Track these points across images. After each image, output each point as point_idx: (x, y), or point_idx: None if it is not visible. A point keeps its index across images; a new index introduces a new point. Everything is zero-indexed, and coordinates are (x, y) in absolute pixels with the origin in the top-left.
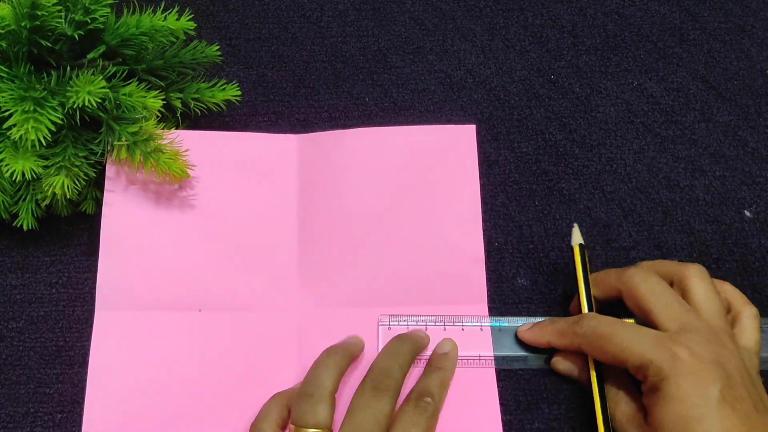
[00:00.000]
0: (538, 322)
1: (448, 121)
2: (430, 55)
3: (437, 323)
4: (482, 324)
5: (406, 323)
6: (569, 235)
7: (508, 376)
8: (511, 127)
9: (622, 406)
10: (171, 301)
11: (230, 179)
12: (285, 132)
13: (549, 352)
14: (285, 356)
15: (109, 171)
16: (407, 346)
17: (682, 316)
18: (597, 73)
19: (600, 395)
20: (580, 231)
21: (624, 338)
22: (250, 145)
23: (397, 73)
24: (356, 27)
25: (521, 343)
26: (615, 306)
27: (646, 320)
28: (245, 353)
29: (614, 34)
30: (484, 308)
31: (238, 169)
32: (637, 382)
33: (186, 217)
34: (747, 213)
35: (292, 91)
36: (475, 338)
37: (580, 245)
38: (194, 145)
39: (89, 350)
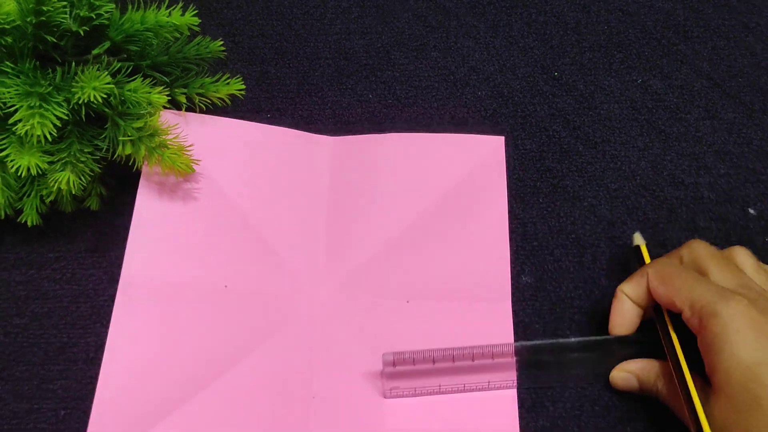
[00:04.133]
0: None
1: (452, 118)
2: (433, 52)
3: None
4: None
5: (412, 360)
6: (574, 232)
7: None
8: (514, 124)
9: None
10: (196, 281)
11: (264, 172)
12: (287, 129)
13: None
14: (303, 343)
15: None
16: None
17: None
18: (601, 70)
19: (682, 365)
20: (586, 228)
21: (690, 277)
22: (288, 141)
23: (401, 70)
24: (360, 24)
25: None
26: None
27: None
28: (264, 338)
29: (618, 31)
30: (508, 306)
31: (273, 164)
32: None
33: (216, 204)
34: (751, 211)
35: (296, 88)
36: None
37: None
38: (232, 133)
39: (106, 334)
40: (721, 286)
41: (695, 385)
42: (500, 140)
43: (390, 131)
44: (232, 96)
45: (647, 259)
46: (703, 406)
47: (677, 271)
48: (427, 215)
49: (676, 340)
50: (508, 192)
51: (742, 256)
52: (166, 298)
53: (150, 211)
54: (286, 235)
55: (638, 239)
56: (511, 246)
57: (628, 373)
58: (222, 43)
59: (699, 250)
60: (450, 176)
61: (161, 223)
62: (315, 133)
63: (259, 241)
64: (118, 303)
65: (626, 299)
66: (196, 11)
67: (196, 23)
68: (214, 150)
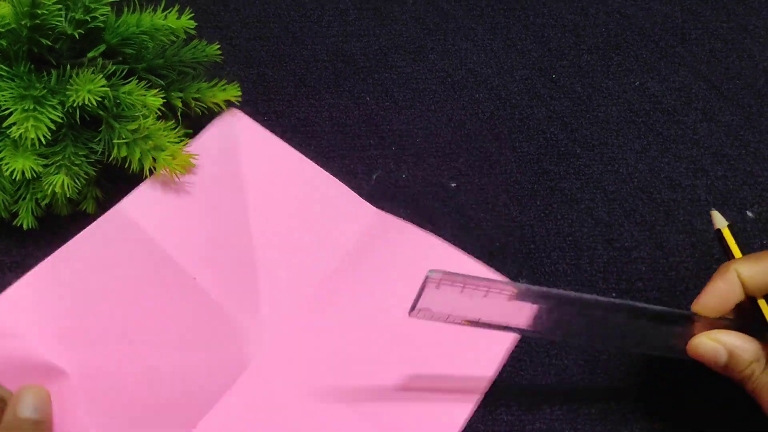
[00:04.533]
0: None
1: (449, 121)
2: (431, 54)
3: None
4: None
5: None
6: (571, 235)
7: (509, 376)
8: (512, 127)
9: None
10: (173, 250)
11: (294, 206)
12: (285, 132)
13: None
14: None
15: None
16: None
17: None
18: (598, 72)
19: None
20: (583, 231)
21: None
22: (330, 191)
23: (398, 73)
24: (357, 26)
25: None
26: None
27: None
28: (204, 339)
29: (616, 33)
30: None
31: (306, 204)
32: None
33: (228, 207)
34: (749, 213)
35: (293, 91)
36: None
37: (729, 226)
38: (283, 158)
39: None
40: None
41: None
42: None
43: (387, 134)
44: (228, 100)
45: (731, 242)
46: None
47: None
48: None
49: None
50: (506, 195)
51: None
52: (134, 247)
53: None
54: (279, 270)
55: (719, 219)
56: (508, 249)
57: (719, 344)
58: (218, 46)
59: None
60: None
61: (169, 198)
62: (358, 195)
63: (249, 258)
64: (94, 227)
65: (736, 281)
66: (192, 14)
67: (193, 26)
68: (259, 168)
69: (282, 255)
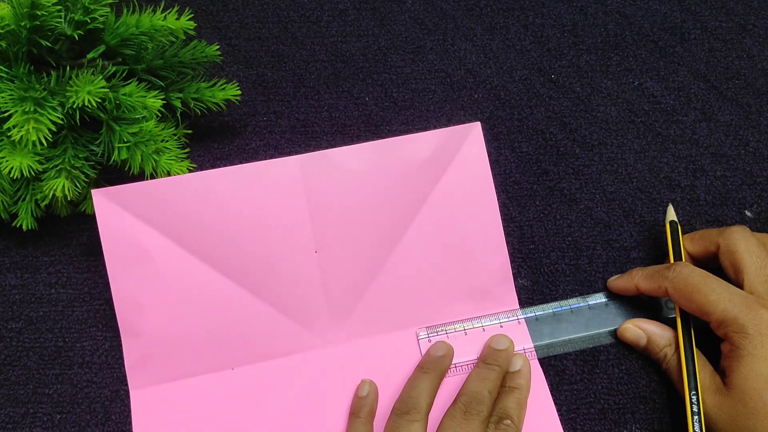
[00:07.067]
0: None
1: (449, 121)
2: (430, 54)
3: (475, 326)
4: (519, 317)
5: (445, 332)
6: (570, 235)
7: None
8: (511, 127)
9: (699, 371)
10: (202, 365)
11: (239, 218)
12: (284, 133)
13: (588, 331)
14: (331, 396)
15: (105, 242)
16: (495, 372)
17: None
18: (598, 72)
19: (687, 350)
20: (582, 231)
21: (713, 290)
22: (253, 176)
23: (398, 73)
24: (356, 26)
25: (561, 327)
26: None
27: (736, 278)
28: (290, 403)
29: (615, 33)
30: (515, 304)
31: (246, 205)
32: (713, 348)
33: (200, 267)
34: (748, 213)
35: (292, 91)
36: (513, 333)
37: (672, 222)
38: (196, 188)
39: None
40: (747, 295)
41: (704, 374)
42: (477, 126)
43: (386, 134)
44: (228, 100)
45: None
46: (712, 394)
47: (698, 285)
48: (417, 224)
49: (694, 345)
50: (505, 195)
51: None
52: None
53: (129, 300)
54: (280, 282)
55: (672, 213)
56: (508, 249)
57: (641, 330)
58: (218, 47)
59: (739, 243)
60: (432, 176)
61: (148, 306)
62: (283, 156)
63: (255, 298)
64: (132, 395)
65: (632, 285)
66: (191, 15)
67: (192, 27)
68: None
69: (270, 268)
